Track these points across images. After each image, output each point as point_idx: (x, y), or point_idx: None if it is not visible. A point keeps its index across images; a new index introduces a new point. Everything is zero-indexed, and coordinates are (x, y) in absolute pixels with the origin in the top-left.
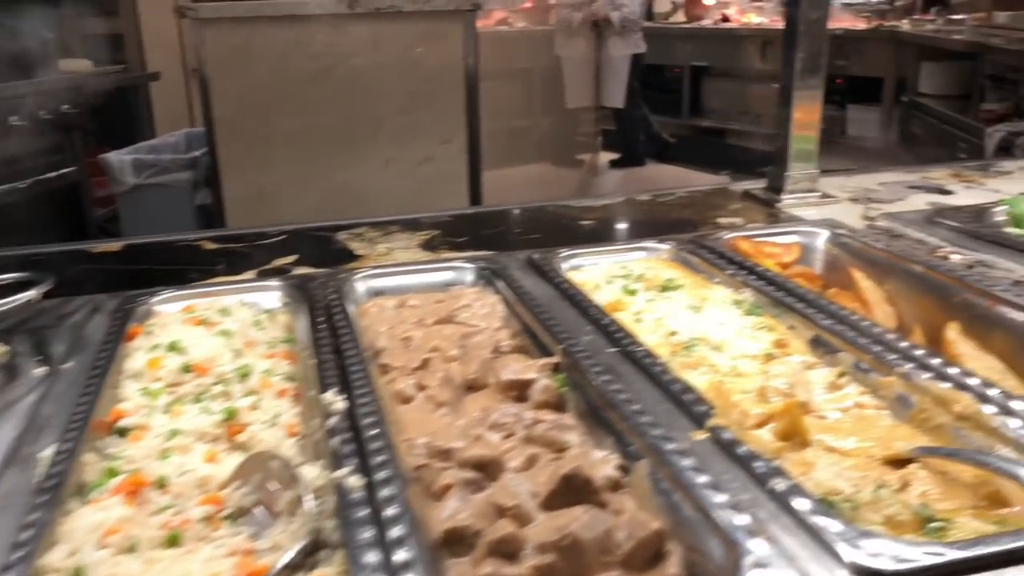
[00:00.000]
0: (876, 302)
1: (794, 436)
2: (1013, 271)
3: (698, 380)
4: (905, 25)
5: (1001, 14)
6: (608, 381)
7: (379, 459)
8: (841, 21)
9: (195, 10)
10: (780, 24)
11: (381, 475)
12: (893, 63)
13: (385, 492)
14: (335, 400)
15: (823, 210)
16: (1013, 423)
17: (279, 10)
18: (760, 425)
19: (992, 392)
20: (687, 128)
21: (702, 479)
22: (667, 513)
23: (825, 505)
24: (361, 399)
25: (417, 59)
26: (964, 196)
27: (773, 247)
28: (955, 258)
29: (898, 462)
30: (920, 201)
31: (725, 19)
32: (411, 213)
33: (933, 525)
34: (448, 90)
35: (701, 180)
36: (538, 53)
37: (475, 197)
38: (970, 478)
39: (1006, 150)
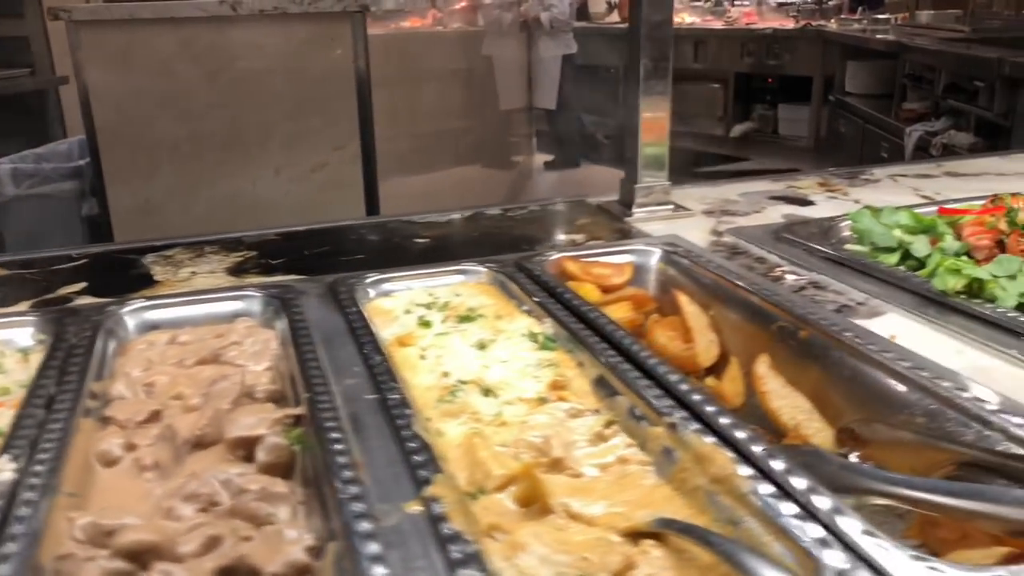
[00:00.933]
0: (699, 329)
1: (534, 501)
2: (842, 294)
3: (455, 431)
4: (832, 25)
5: (923, 13)
6: (338, 440)
7: (9, 549)
8: (770, 21)
9: (69, 12)
10: (714, 24)
11: (1, 570)
12: (821, 62)
13: None
14: (3, 469)
15: (673, 224)
16: (764, 488)
17: (158, 12)
18: (502, 488)
19: (756, 449)
20: (618, 128)
21: (378, 572)
22: None
23: None
24: (36, 466)
25: (305, 63)
26: (825, 207)
27: (603, 268)
28: (789, 279)
29: (640, 534)
30: (776, 214)
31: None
32: (300, 223)
33: None
34: (339, 95)
35: None
36: (472, 54)
37: (371, 205)
38: (708, 559)
39: (923, 149)
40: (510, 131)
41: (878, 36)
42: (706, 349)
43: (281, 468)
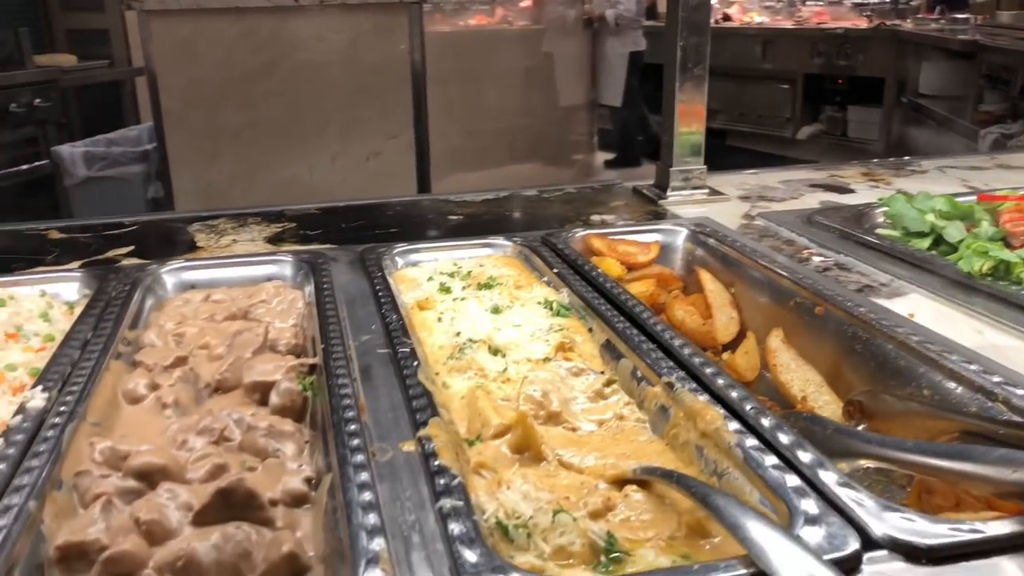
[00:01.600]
0: (719, 306)
1: (527, 449)
2: (867, 275)
3: (460, 385)
4: (907, 24)
5: (1005, 13)
6: (344, 385)
7: (32, 463)
8: (843, 20)
9: (141, 2)
10: (784, 23)
11: (22, 480)
12: (894, 63)
13: (7, 501)
14: (33, 397)
15: (706, 208)
16: (749, 442)
17: (224, 2)
18: (499, 435)
19: (748, 406)
20: None
21: (365, 497)
22: (330, 533)
23: (501, 529)
24: (67, 396)
25: (362, 54)
26: (865, 196)
27: (629, 245)
28: (816, 260)
29: (626, 481)
30: (814, 200)
31: (727, 18)
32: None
33: (611, 557)
34: (394, 85)
35: None
36: (535, 51)
37: (423, 192)
38: (687, 504)
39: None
40: (571, 129)
41: (956, 36)
42: (725, 325)
43: (293, 411)
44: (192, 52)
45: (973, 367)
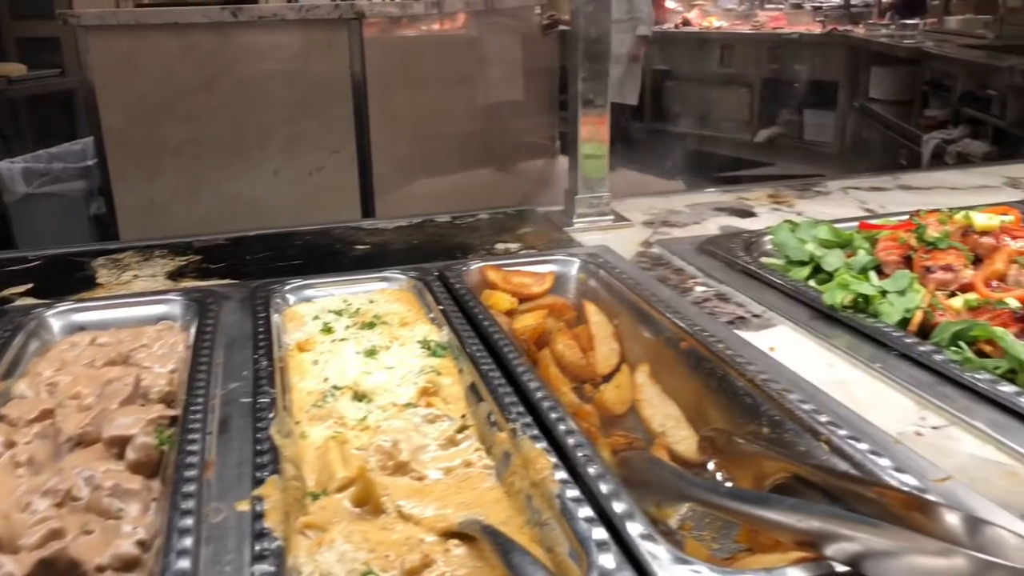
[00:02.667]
0: (601, 338)
1: (367, 502)
2: (743, 306)
3: (318, 435)
4: (859, 30)
5: (952, 19)
6: (194, 440)
7: None
8: (798, 26)
9: (78, 17)
10: (741, 28)
11: None
12: (846, 68)
13: None
14: None
15: (610, 235)
16: (570, 492)
17: (163, 17)
18: (343, 488)
19: (580, 454)
20: (650, 132)
21: (180, 565)
22: None
23: None
24: None
25: (302, 68)
26: (766, 220)
27: (524, 277)
28: (698, 290)
29: (454, 534)
30: (715, 225)
31: (686, 22)
32: (299, 223)
33: None
34: (336, 99)
35: (655, 186)
36: (487, 57)
37: (367, 207)
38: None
39: (940, 157)
40: (530, 134)
41: (902, 43)
42: (606, 357)
43: (149, 466)
44: (132, 67)
45: (807, 406)
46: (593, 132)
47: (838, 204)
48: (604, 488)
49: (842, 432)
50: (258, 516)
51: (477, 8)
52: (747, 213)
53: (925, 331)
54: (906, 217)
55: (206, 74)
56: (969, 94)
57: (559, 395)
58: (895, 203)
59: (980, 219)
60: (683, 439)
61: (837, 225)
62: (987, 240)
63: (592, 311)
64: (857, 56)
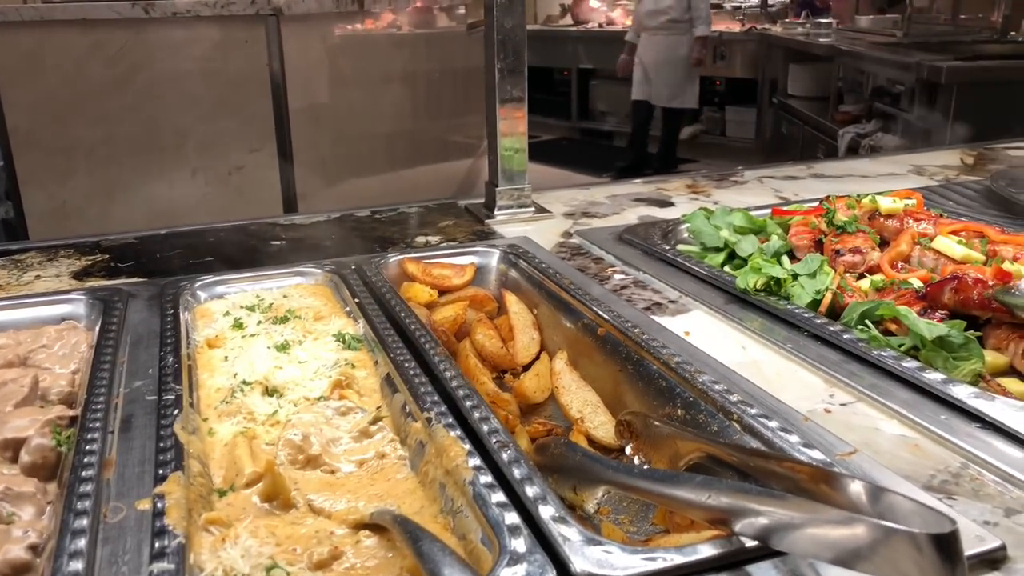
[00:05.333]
0: (521, 327)
1: (276, 497)
2: (659, 292)
3: (227, 431)
4: (776, 29)
5: (862, 18)
6: (93, 440)
7: None
8: (718, 24)
9: None
10: None
11: None
12: (765, 66)
13: None
14: None
15: (532, 226)
16: (483, 478)
17: (70, 13)
18: (250, 484)
19: (494, 440)
20: (576, 131)
21: (73, 567)
22: None
23: None
24: None
25: (219, 66)
26: (683, 208)
27: (443, 269)
28: (616, 278)
29: (365, 525)
30: (634, 215)
31: (610, 22)
32: (253, 217)
33: None
34: (254, 97)
35: (581, 182)
36: (419, 56)
37: (289, 206)
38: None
39: (855, 151)
40: (462, 134)
41: (817, 41)
42: (526, 347)
43: (45, 469)
44: (38, 65)
45: (719, 387)
46: (512, 126)
47: (754, 193)
48: (517, 473)
49: (753, 411)
50: (159, 514)
51: (400, 6)
52: (665, 203)
53: (835, 312)
54: (817, 203)
55: (118, 72)
56: (880, 90)
57: (478, 385)
58: (808, 190)
59: (885, 203)
60: (601, 424)
61: (752, 212)
62: (892, 223)
63: (512, 301)
64: (774, 54)
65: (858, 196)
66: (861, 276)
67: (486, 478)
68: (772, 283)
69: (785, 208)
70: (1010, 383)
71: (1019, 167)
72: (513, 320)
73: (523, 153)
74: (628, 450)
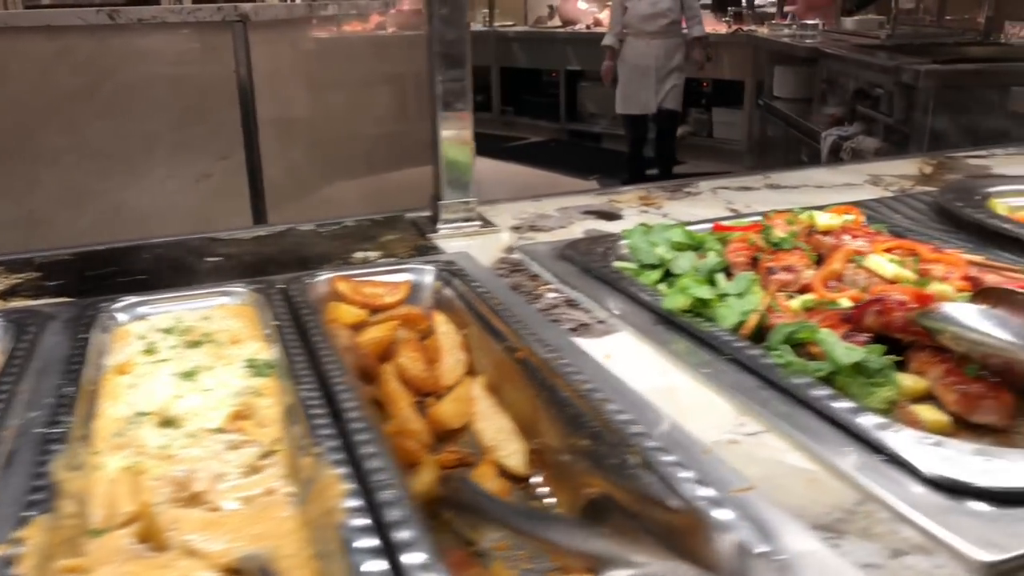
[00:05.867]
0: (448, 348)
1: (150, 538)
2: (589, 312)
3: (115, 465)
4: (763, 30)
5: (848, 20)
6: None
7: None
8: (706, 25)
9: None
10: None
11: None
12: (752, 67)
13: None
14: None
15: (476, 240)
16: (357, 521)
17: (34, 20)
18: (128, 524)
19: (376, 478)
20: (564, 132)
21: None
22: None
23: None
24: None
25: (187, 72)
26: (632, 221)
27: (376, 287)
28: (549, 297)
29: (236, 569)
30: (581, 228)
31: (597, 23)
32: (192, 232)
33: None
34: (222, 104)
35: (568, 185)
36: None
37: (258, 214)
38: None
39: (836, 153)
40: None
41: (805, 43)
42: (451, 369)
43: None
44: (3, 73)
45: (623, 417)
46: (456, 136)
47: (706, 205)
48: (394, 515)
49: (651, 444)
50: (7, 563)
51: (374, 9)
52: (614, 216)
53: (763, 334)
54: (760, 218)
55: (85, 79)
56: (861, 92)
57: (395, 410)
58: (762, 202)
59: (822, 219)
60: (512, 453)
61: (697, 227)
62: (829, 240)
63: (441, 321)
64: (761, 55)
65: (799, 210)
66: (795, 295)
67: (361, 521)
68: (699, 303)
69: (725, 224)
70: (925, 410)
71: (974, 178)
72: (441, 341)
73: (468, 167)
74: (536, 480)
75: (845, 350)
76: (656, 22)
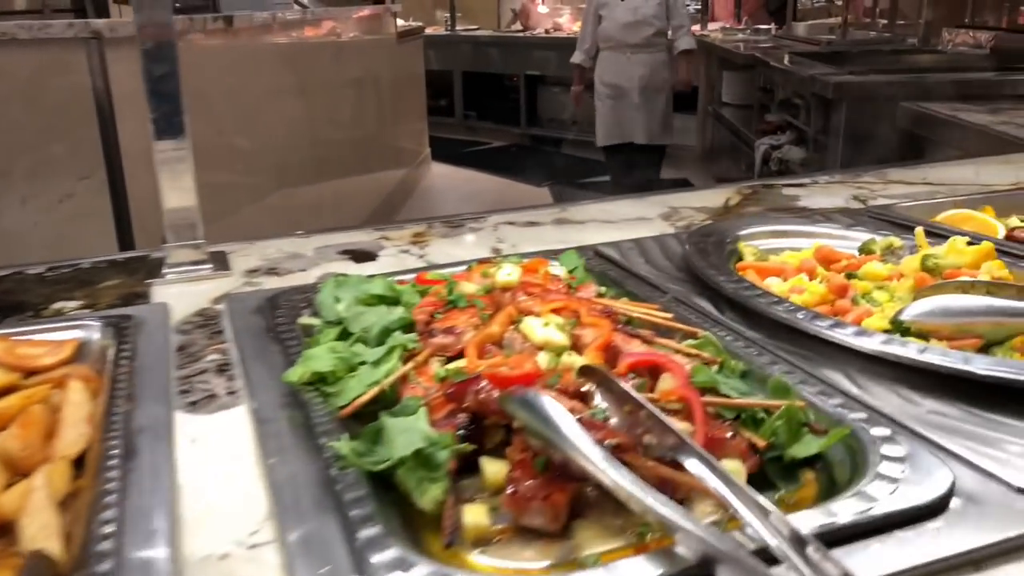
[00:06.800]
0: (72, 421)
1: None
2: (233, 380)
3: None
4: (716, 35)
5: (800, 24)
6: None
7: None
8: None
9: None
10: None
11: None
12: (705, 72)
13: None
14: None
15: (198, 287)
16: None
17: None
18: None
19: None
20: (526, 137)
21: None
22: None
23: None
24: None
25: (42, 91)
26: (386, 264)
27: (34, 347)
28: (209, 359)
29: None
30: (327, 271)
31: (557, 28)
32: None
33: None
34: (80, 123)
35: (521, 193)
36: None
37: (123, 235)
38: None
39: (767, 162)
40: (403, 140)
41: (739, 49)
42: (67, 446)
43: None
44: None
45: (107, 514)
46: (174, 178)
47: (472, 245)
48: None
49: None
50: None
51: (245, 24)
52: (369, 257)
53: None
54: (466, 267)
55: None
56: (787, 101)
57: None
58: (534, 241)
59: (501, 274)
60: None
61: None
62: (508, 297)
63: (75, 389)
64: (712, 61)
65: (499, 260)
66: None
67: None
68: (320, 376)
69: (429, 275)
70: (471, 512)
71: (744, 218)
72: (66, 411)
73: (192, 209)
74: None
75: (404, 438)
76: (638, 32)
